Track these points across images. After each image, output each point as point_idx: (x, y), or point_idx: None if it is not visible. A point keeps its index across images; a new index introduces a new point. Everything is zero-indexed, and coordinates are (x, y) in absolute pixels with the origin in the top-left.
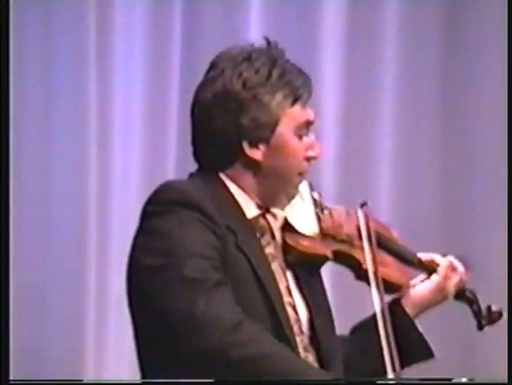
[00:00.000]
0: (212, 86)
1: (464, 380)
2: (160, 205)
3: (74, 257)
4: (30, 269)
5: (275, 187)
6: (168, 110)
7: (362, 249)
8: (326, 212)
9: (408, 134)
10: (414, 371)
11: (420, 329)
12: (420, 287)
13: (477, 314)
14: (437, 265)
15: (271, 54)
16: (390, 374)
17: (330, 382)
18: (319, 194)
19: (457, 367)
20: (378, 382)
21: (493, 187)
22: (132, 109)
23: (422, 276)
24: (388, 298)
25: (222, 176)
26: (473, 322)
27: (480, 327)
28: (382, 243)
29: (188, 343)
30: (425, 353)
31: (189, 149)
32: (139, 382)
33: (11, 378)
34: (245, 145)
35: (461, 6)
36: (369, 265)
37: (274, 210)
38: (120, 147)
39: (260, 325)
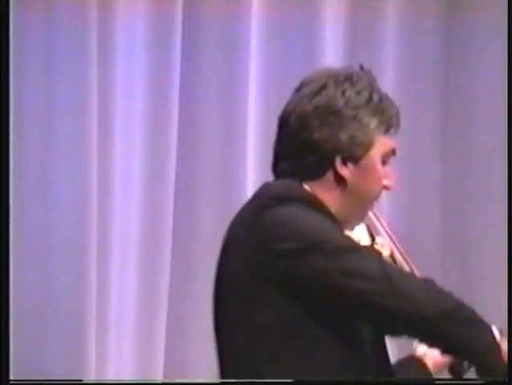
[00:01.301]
0: (313, 99)
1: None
2: (278, 199)
3: (74, 257)
4: (30, 269)
5: (352, 208)
6: (170, 110)
7: None
8: (377, 241)
9: (407, 133)
10: None
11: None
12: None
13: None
14: None
15: (369, 80)
16: None
17: (336, 383)
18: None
19: None
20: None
21: (493, 180)
22: (132, 109)
23: None
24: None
25: (306, 186)
26: None
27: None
28: None
29: (392, 310)
30: None
31: (190, 149)
32: (139, 382)
33: (11, 378)
34: (338, 160)
35: (461, 4)
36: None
37: (346, 232)
38: (121, 147)
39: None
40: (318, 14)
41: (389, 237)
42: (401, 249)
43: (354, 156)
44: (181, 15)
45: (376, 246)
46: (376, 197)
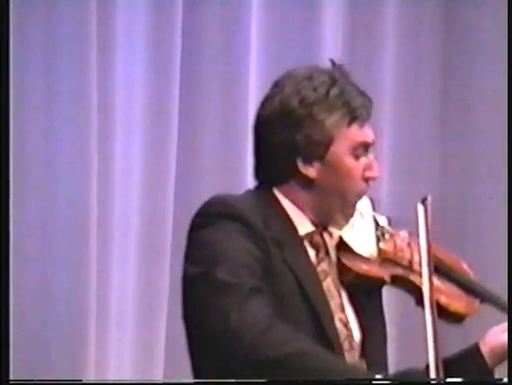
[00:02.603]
0: (271, 102)
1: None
2: (205, 218)
3: (75, 257)
4: (30, 269)
5: (331, 205)
6: (170, 110)
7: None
8: (387, 235)
9: (407, 133)
10: None
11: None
12: (500, 331)
13: None
14: None
15: (332, 75)
16: None
17: (336, 383)
18: (388, 218)
19: None
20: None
21: (493, 187)
22: (133, 110)
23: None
24: (464, 343)
25: (276, 191)
26: (474, 322)
27: None
28: (447, 272)
29: (224, 351)
30: None
31: (190, 149)
32: (139, 382)
33: (11, 378)
34: (299, 162)
35: (461, 3)
36: (424, 269)
37: (331, 229)
38: (121, 147)
39: (292, 327)
40: (319, 14)
41: (427, 239)
42: (429, 253)
43: (314, 155)
44: (181, 15)
45: (384, 240)
46: (358, 192)
